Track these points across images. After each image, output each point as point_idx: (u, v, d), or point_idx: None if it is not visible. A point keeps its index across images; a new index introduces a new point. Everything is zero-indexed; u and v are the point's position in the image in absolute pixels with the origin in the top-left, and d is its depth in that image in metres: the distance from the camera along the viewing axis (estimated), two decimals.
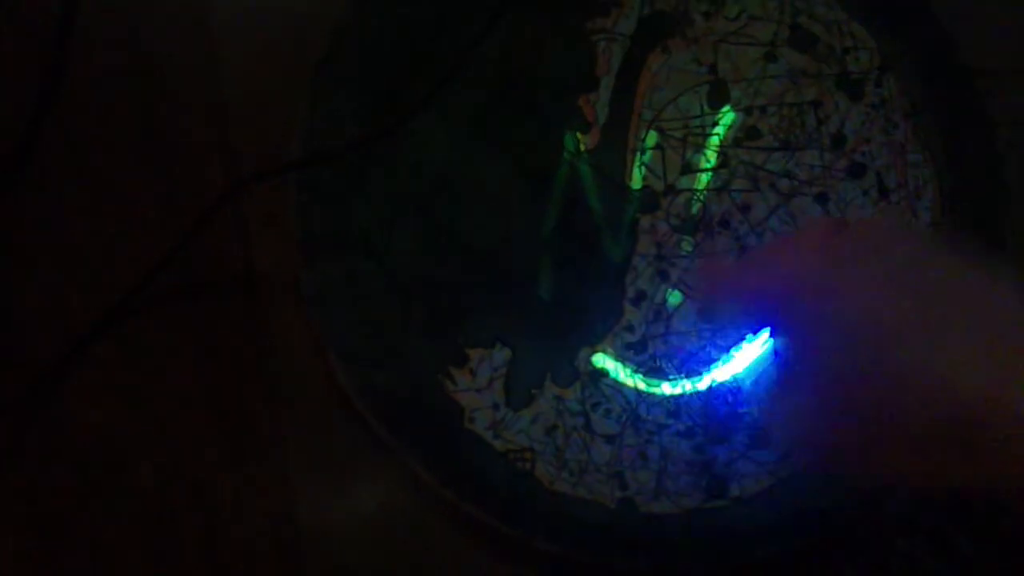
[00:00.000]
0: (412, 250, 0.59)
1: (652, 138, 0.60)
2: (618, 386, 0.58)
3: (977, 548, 0.55)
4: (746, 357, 0.58)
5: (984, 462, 0.37)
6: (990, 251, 0.57)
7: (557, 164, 0.60)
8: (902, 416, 0.38)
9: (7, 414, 0.56)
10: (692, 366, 0.59)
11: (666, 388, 0.59)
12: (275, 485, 0.57)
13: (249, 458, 0.58)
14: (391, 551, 0.58)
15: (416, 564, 0.57)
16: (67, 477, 0.57)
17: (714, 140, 0.60)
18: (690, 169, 0.60)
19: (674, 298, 0.59)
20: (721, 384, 0.58)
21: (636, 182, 0.60)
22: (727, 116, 0.60)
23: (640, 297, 0.59)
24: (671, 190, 0.60)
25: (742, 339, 0.58)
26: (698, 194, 0.60)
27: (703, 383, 0.59)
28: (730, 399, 0.58)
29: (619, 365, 0.59)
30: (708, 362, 0.59)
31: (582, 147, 0.60)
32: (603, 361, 0.59)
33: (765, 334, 0.56)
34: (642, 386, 0.59)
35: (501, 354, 0.58)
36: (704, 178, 0.60)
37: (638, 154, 0.60)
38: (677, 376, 0.59)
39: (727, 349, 0.59)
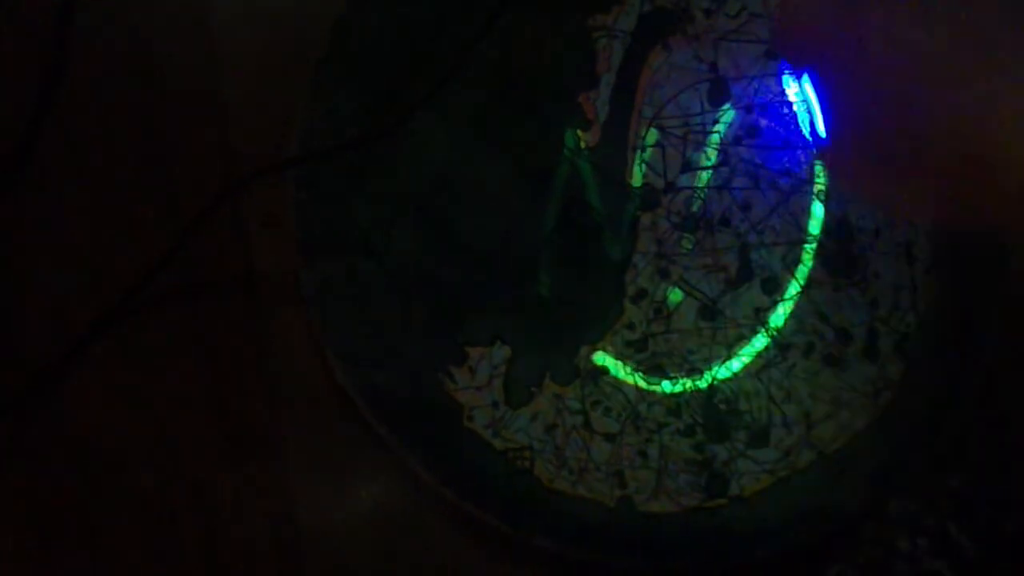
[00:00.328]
0: (412, 249, 0.59)
1: (653, 136, 0.60)
2: (618, 384, 0.58)
3: (979, 549, 0.55)
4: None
5: (1003, 205, 0.37)
6: None
7: (557, 162, 0.60)
8: (927, 147, 0.38)
9: (6, 414, 0.56)
10: (692, 364, 0.59)
11: (666, 386, 0.58)
12: (275, 485, 0.57)
13: (249, 458, 0.58)
14: (391, 550, 0.58)
15: (416, 563, 0.57)
16: (66, 477, 0.57)
17: (715, 138, 0.60)
18: (691, 167, 0.60)
19: (675, 296, 0.59)
20: (722, 382, 0.58)
21: (636, 180, 0.60)
22: (728, 114, 0.60)
23: (640, 295, 0.59)
24: (671, 188, 0.60)
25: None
26: (699, 192, 0.60)
27: (703, 381, 0.58)
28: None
29: (619, 363, 0.59)
30: (708, 360, 0.59)
31: (582, 145, 0.60)
32: (603, 359, 0.59)
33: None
34: (642, 384, 0.58)
35: (500, 352, 0.58)
36: (705, 176, 0.60)
37: (638, 152, 0.60)
38: (677, 374, 0.58)
39: (728, 347, 0.59)
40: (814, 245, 0.59)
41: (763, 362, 0.58)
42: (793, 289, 0.59)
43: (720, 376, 0.58)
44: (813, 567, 0.57)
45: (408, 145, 0.60)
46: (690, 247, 0.59)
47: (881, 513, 0.57)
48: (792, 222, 0.59)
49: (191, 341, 0.59)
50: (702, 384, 0.58)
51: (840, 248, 0.59)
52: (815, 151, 0.59)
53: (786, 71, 0.56)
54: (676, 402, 0.58)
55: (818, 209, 0.59)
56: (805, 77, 0.49)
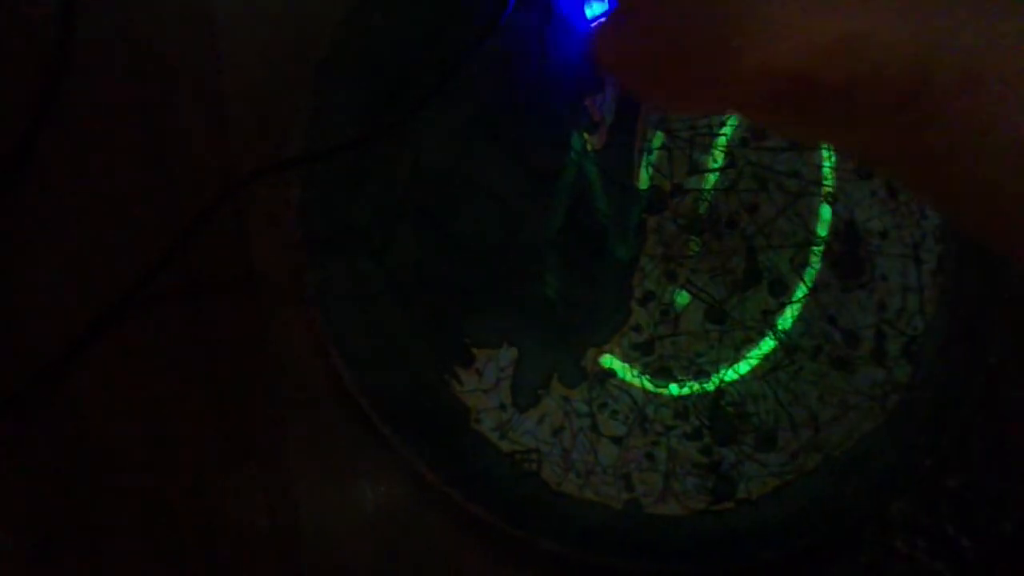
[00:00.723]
0: (415, 249, 0.59)
1: (659, 138, 0.60)
2: (625, 387, 0.58)
3: (977, 548, 0.55)
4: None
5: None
6: None
7: (564, 164, 0.59)
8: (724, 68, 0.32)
9: (6, 413, 0.56)
10: (700, 367, 0.58)
11: (673, 389, 0.58)
12: (276, 485, 0.57)
13: (250, 458, 0.57)
14: (394, 551, 0.57)
15: (419, 564, 0.57)
16: (66, 476, 0.56)
17: (721, 140, 0.60)
18: (697, 169, 0.60)
19: (682, 299, 0.59)
20: (729, 385, 0.58)
21: (643, 182, 0.60)
22: (734, 116, 0.60)
23: (647, 297, 0.59)
24: (678, 190, 0.60)
25: None
26: (705, 194, 0.59)
27: (710, 384, 0.58)
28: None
29: (626, 366, 0.58)
30: (716, 363, 0.58)
31: (589, 147, 0.59)
32: (610, 362, 0.58)
33: None
34: (649, 387, 0.58)
35: (508, 354, 0.58)
36: (711, 178, 0.60)
37: (645, 154, 0.60)
38: (685, 377, 0.58)
39: (735, 350, 0.58)
40: (821, 247, 0.59)
41: (770, 365, 0.58)
42: (800, 292, 0.59)
43: (727, 379, 0.58)
44: (817, 568, 0.57)
45: (411, 145, 0.59)
46: (697, 249, 0.59)
47: (881, 514, 0.57)
48: (799, 224, 0.59)
49: (192, 341, 0.59)
50: (709, 387, 0.58)
51: (847, 250, 0.59)
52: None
53: None
54: (683, 405, 0.58)
55: (825, 211, 0.59)
56: None
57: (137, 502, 0.56)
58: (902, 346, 0.58)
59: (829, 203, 0.59)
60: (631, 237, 0.59)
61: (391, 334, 0.58)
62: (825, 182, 0.59)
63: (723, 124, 0.60)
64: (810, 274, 0.59)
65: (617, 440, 0.57)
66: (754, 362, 0.58)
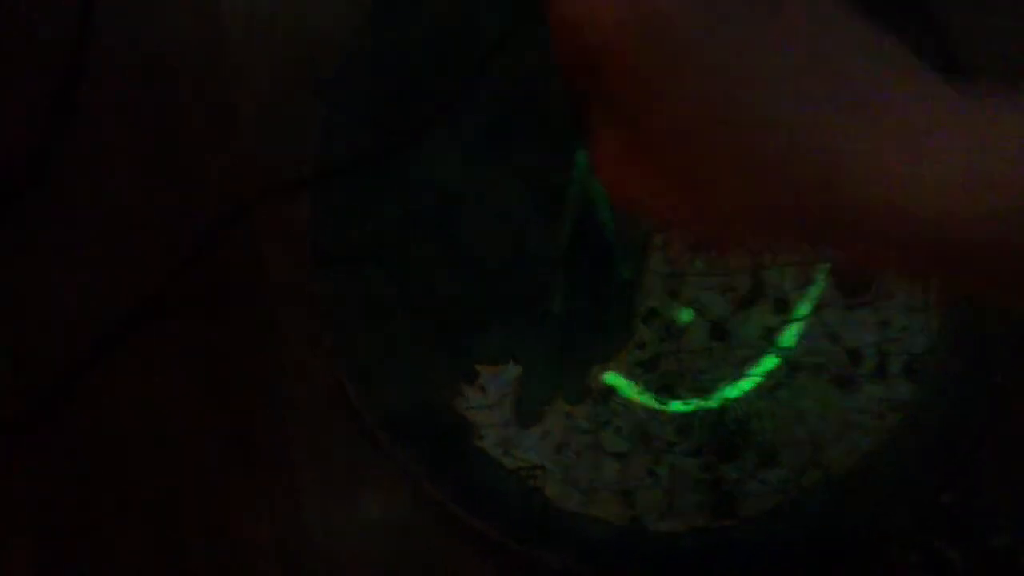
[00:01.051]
0: (424, 265, 0.60)
1: None
2: (628, 404, 0.59)
3: (968, 563, 0.56)
4: None
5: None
6: None
7: (569, 181, 0.60)
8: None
9: (19, 421, 0.57)
10: (703, 384, 0.59)
11: (676, 406, 0.59)
12: (283, 498, 0.58)
13: (258, 471, 0.58)
14: (398, 565, 0.58)
15: None
16: (75, 483, 0.57)
17: None
18: None
19: (685, 316, 0.59)
20: (732, 402, 0.58)
21: None
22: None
23: (651, 314, 0.59)
24: None
25: None
26: None
27: (713, 401, 0.59)
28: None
29: (629, 383, 0.59)
30: (719, 380, 0.59)
31: None
32: (614, 378, 0.59)
33: None
34: (652, 404, 0.59)
35: (512, 371, 0.58)
36: None
37: None
38: (688, 394, 0.59)
39: (738, 367, 0.59)
40: (826, 265, 0.59)
41: (773, 382, 0.59)
42: (804, 309, 0.59)
43: (730, 396, 0.59)
44: None
45: (421, 161, 0.60)
46: (701, 267, 0.60)
47: (876, 529, 0.57)
48: None
49: (203, 355, 0.60)
50: (712, 404, 0.59)
51: (852, 269, 0.59)
52: None
53: None
54: (686, 422, 0.58)
55: None
56: None
57: (144, 510, 0.57)
58: (904, 365, 0.58)
59: None
60: (636, 254, 0.60)
61: (397, 349, 0.59)
62: None
63: None
64: (814, 292, 0.59)
65: (620, 457, 0.58)
66: (757, 379, 0.59)
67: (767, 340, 0.59)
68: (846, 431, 0.58)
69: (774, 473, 0.58)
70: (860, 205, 0.31)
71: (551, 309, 0.59)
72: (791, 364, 0.59)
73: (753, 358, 0.59)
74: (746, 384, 0.59)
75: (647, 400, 0.59)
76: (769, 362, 0.59)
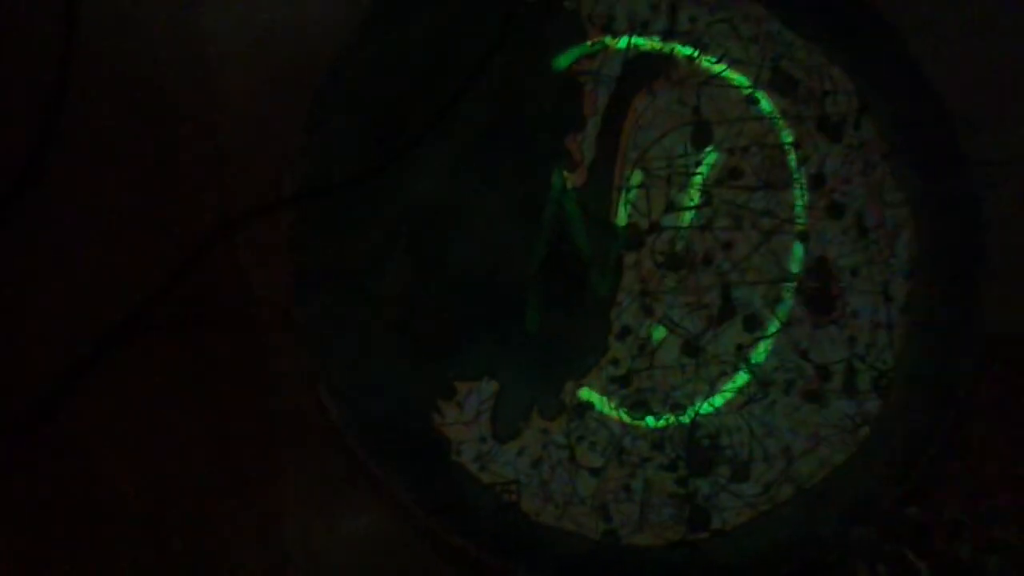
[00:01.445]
0: (404, 284, 0.61)
1: (637, 177, 0.61)
2: (603, 419, 0.60)
3: (935, 573, 0.56)
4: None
5: None
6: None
7: (545, 201, 0.61)
8: None
9: (4, 440, 0.57)
10: (676, 400, 0.60)
11: (650, 421, 0.60)
12: (266, 514, 0.58)
13: (242, 486, 0.59)
14: None
15: None
16: (61, 502, 0.57)
17: (697, 179, 0.61)
18: (674, 207, 0.61)
19: (658, 333, 0.60)
20: (704, 418, 0.60)
21: (621, 219, 0.61)
22: (710, 156, 0.62)
23: (625, 332, 0.60)
24: (655, 227, 0.61)
25: None
26: (682, 232, 0.61)
27: (686, 417, 0.60)
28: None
29: (604, 399, 0.60)
30: (691, 396, 0.60)
31: (569, 185, 0.61)
32: (588, 395, 0.60)
33: None
34: (626, 419, 0.60)
35: (489, 387, 0.59)
36: (688, 216, 0.61)
37: (623, 192, 0.61)
38: (661, 410, 0.60)
39: (710, 383, 0.60)
40: (794, 284, 0.61)
41: (745, 398, 0.60)
42: (774, 327, 0.61)
43: (703, 412, 0.60)
44: None
45: (401, 181, 0.61)
46: (673, 285, 0.61)
47: (844, 541, 0.58)
48: (773, 261, 0.61)
49: (186, 372, 0.60)
50: (685, 419, 0.60)
51: (819, 287, 0.61)
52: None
53: None
54: (660, 437, 0.60)
55: (798, 249, 0.61)
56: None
57: (130, 528, 0.57)
58: (872, 380, 0.60)
59: (802, 241, 0.61)
60: (610, 273, 0.61)
61: (377, 367, 0.60)
62: (798, 220, 0.61)
63: (699, 163, 0.62)
64: (783, 310, 0.61)
65: (595, 471, 0.59)
66: (729, 395, 0.60)
67: (738, 357, 0.60)
68: (816, 446, 0.59)
69: (746, 487, 0.59)
70: None
71: (527, 327, 0.60)
72: (762, 380, 0.60)
73: (725, 374, 0.60)
74: (718, 400, 0.60)
75: (622, 416, 0.60)
76: (740, 378, 0.60)
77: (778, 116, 0.62)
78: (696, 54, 0.62)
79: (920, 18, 0.62)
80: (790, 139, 0.62)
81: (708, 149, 0.62)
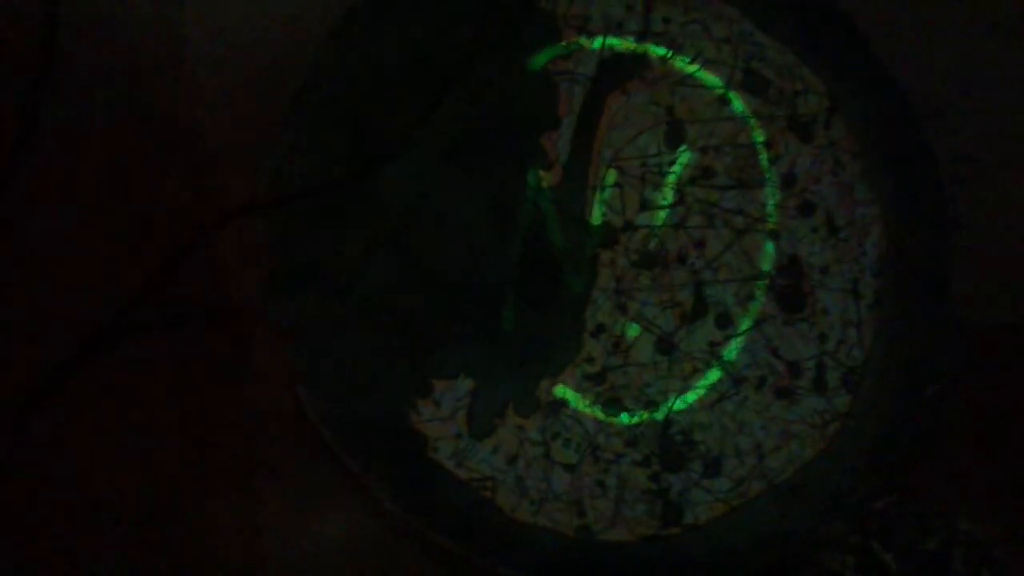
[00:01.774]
0: (382, 284, 0.61)
1: (612, 176, 0.62)
2: (578, 416, 0.60)
3: (902, 566, 0.58)
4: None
5: None
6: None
7: (521, 200, 0.61)
8: None
9: None
10: (649, 397, 0.61)
11: (624, 418, 0.60)
12: (247, 514, 0.58)
13: (221, 485, 0.59)
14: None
15: None
16: (43, 501, 0.57)
17: (671, 178, 0.62)
18: (648, 206, 0.62)
19: (632, 331, 0.61)
20: (677, 414, 0.60)
21: (596, 218, 0.62)
22: (683, 155, 0.62)
23: (600, 329, 0.61)
24: (629, 226, 0.62)
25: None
26: (655, 230, 0.62)
27: (659, 413, 0.61)
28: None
29: (579, 395, 0.60)
30: (665, 393, 0.61)
31: (544, 184, 0.62)
32: (563, 392, 0.60)
33: None
34: (601, 416, 0.60)
35: (465, 384, 0.60)
36: (661, 215, 0.62)
37: (598, 191, 0.62)
38: (635, 407, 0.60)
39: (683, 380, 0.61)
40: (765, 282, 0.62)
41: (717, 395, 0.61)
42: (745, 324, 0.61)
43: (676, 408, 0.61)
44: None
45: (379, 182, 0.61)
46: (647, 283, 0.62)
47: (812, 534, 0.59)
48: (745, 259, 0.62)
49: (168, 372, 0.60)
50: (658, 416, 0.61)
51: (790, 285, 0.62)
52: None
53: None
54: (633, 433, 0.60)
55: (769, 247, 0.62)
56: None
57: (112, 529, 0.57)
58: (842, 377, 0.61)
59: (773, 239, 0.62)
60: (584, 271, 0.62)
61: (354, 365, 0.60)
62: (769, 219, 0.62)
63: (673, 163, 0.62)
64: (755, 307, 0.61)
65: (570, 468, 0.60)
66: (701, 392, 0.61)
67: (711, 354, 0.61)
68: (787, 442, 0.60)
69: (718, 482, 0.60)
70: None
71: (503, 324, 0.61)
72: (734, 377, 0.61)
73: (697, 371, 0.61)
74: (691, 397, 0.61)
75: (596, 413, 0.61)
76: (713, 375, 0.61)
77: (750, 116, 0.62)
78: (670, 54, 0.62)
79: (886, 18, 0.63)
80: (762, 139, 0.62)
81: (681, 148, 0.62)
